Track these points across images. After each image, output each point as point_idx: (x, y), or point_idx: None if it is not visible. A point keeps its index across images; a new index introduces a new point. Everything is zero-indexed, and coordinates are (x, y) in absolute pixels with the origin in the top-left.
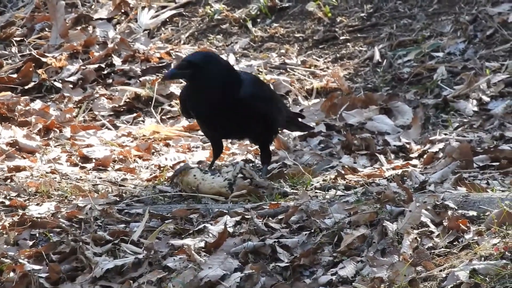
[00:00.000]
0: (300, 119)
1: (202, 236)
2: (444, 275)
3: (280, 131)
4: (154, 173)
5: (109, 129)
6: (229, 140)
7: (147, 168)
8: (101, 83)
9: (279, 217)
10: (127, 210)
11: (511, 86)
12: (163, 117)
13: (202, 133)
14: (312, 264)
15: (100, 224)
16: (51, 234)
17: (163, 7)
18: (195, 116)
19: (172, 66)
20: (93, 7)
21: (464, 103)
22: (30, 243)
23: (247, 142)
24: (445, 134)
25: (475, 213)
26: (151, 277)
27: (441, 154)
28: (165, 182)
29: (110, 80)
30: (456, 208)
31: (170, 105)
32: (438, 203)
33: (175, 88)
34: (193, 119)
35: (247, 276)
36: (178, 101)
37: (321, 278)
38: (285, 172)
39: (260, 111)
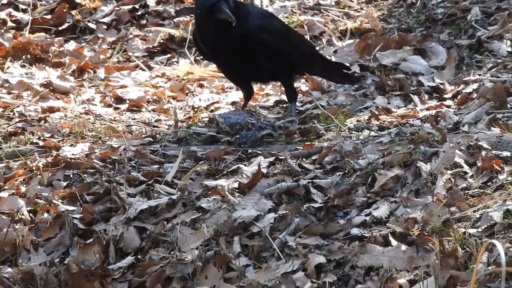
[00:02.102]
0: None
1: (236, 177)
2: (478, 216)
3: (308, 75)
4: (188, 113)
5: (143, 70)
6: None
7: (181, 109)
8: (135, 24)
9: (313, 157)
10: (161, 150)
11: None
12: (197, 58)
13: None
14: (346, 205)
15: (134, 165)
16: (85, 175)
17: None
18: (208, 54)
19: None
20: None
21: (498, 43)
22: (64, 184)
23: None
24: (479, 75)
25: (508, 154)
26: (185, 217)
27: (475, 95)
28: (199, 123)
29: (144, 21)
30: (490, 148)
31: None
32: (472, 144)
33: None
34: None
35: (280, 216)
36: None
37: (355, 218)
38: (319, 113)
39: (267, 44)
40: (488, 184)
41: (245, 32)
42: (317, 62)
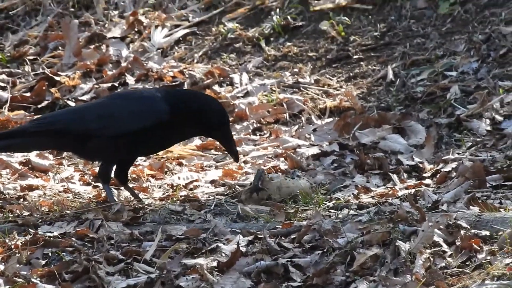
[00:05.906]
0: None
1: (214, 256)
2: None
3: None
4: (167, 192)
5: None
6: None
7: (160, 187)
8: None
9: (292, 236)
10: (139, 229)
11: None
12: None
13: (215, 152)
14: (325, 284)
15: (113, 243)
16: (64, 253)
17: (177, 26)
18: None
19: None
20: (106, 26)
21: (477, 122)
22: (43, 262)
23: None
24: (458, 154)
25: (488, 233)
26: None
27: (454, 174)
28: (178, 201)
29: None
30: (469, 227)
31: None
32: (451, 223)
33: None
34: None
35: None
36: None
37: None
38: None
39: None
40: (467, 263)
41: None
42: None
